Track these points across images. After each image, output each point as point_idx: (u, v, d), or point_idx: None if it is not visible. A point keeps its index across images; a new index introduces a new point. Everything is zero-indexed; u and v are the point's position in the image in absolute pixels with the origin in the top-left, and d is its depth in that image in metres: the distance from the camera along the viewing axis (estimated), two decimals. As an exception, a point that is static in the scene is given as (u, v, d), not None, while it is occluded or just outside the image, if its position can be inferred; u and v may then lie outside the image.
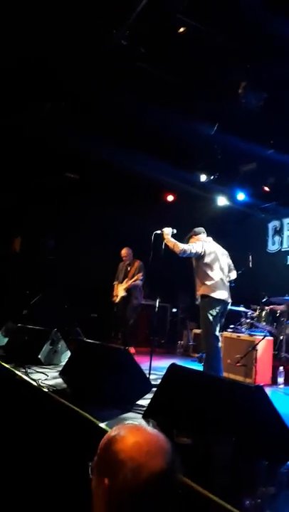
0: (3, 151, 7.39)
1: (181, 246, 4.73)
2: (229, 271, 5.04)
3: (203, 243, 4.87)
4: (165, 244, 4.85)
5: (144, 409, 3.00)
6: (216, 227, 7.62)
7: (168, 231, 4.86)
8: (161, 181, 8.25)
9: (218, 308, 4.68)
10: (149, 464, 0.98)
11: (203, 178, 7.84)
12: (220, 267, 4.84)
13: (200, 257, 4.80)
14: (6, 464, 2.96)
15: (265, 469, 1.82)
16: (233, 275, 5.09)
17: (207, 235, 5.12)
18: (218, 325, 4.77)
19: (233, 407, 2.25)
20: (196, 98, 5.89)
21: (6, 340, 5.98)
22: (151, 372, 4.35)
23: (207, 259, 4.79)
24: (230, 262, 5.10)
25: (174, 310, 9.44)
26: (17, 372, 4.35)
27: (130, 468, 0.97)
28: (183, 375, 2.89)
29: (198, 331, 7.38)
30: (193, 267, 4.97)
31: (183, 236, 5.13)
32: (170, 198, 9.29)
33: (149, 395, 3.26)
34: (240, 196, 7.97)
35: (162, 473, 0.98)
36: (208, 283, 4.72)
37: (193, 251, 4.74)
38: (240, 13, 4.33)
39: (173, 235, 4.88)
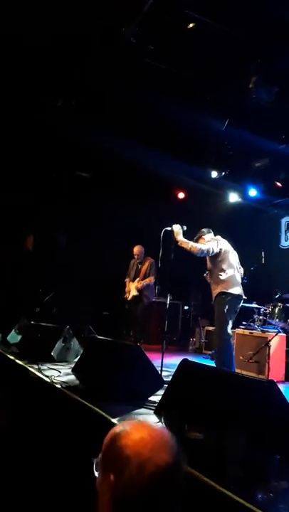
0: (14, 151, 7.44)
1: (198, 246, 4.68)
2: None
3: (217, 241, 4.83)
4: (176, 243, 4.78)
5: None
6: (227, 224, 7.61)
7: (177, 228, 4.78)
8: (172, 178, 8.23)
9: (234, 304, 4.66)
10: (154, 459, 0.99)
11: (214, 174, 7.78)
12: (233, 264, 4.82)
13: (215, 255, 4.76)
14: (19, 460, 2.99)
15: (277, 464, 1.81)
16: (241, 273, 5.06)
17: (217, 234, 5.07)
18: (232, 322, 4.75)
19: (246, 402, 2.24)
20: (206, 93, 5.85)
21: (20, 337, 6.02)
22: (163, 369, 4.34)
23: (222, 257, 4.76)
24: (238, 260, 5.06)
25: (186, 307, 9.42)
26: (30, 369, 4.38)
27: (136, 463, 0.99)
28: (194, 370, 2.88)
29: (210, 328, 7.35)
30: (207, 267, 4.93)
31: (194, 234, 5.10)
32: (181, 195, 9.26)
33: (161, 391, 3.25)
34: (252, 192, 7.90)
35: (167, 466, 1.00)
36: (224, 279, 4.68)
37: (210, 250, 4.69)
38: (250, 6, 4.30)
39: (183, 232, 4.83)
